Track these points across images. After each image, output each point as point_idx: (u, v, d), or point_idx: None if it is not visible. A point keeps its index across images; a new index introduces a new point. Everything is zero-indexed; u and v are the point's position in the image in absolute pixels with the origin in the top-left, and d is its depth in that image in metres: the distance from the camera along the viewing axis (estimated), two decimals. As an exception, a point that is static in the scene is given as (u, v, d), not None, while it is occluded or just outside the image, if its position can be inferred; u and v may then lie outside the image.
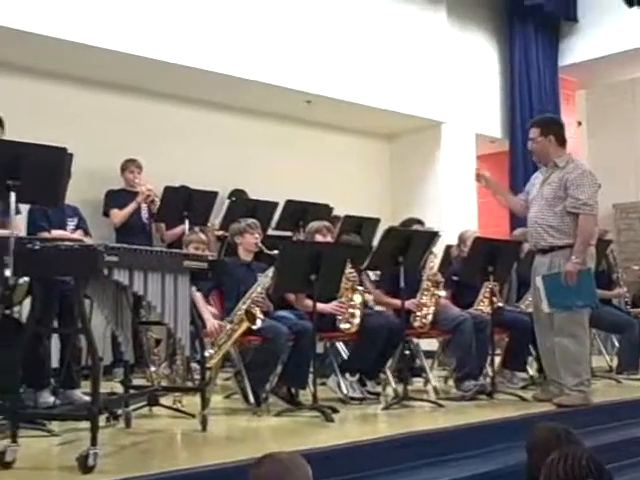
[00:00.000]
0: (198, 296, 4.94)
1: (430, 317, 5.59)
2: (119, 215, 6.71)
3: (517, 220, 7.63)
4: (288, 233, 7.02)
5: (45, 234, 4.77)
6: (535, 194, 5.15)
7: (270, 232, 6.75)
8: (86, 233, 5.07)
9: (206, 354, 4.58)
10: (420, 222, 6.18)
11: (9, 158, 3.88)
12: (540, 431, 2.84)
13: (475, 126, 9.53)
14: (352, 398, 5.18)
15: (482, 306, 5.92)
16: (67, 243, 3.59)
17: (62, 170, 4.21)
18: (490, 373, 5.59)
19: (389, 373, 5.51)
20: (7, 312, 4.15)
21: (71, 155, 4.24)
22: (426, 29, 9.01)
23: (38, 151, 4.01)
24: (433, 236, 5.55)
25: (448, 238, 6.93)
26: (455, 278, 6.06)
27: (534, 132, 5.15)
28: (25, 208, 4.78)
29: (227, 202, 7.08)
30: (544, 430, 2.85)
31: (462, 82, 9.37)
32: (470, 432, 4.32)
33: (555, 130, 5.15)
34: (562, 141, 5.15)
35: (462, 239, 6.37)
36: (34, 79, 6.72)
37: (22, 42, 6.20)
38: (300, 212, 6.97)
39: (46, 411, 4.28)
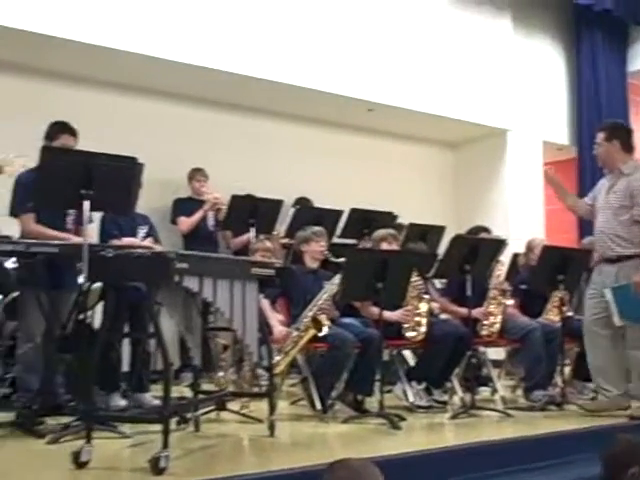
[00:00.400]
0: (265, 303, 4.99)
1: (497, 326, 5.53)
2: (186, 223, 6.82)
3: (586, 228, 7.49)
4: (353, 241, 7.03)
5: (116, 242, 4.88)
6: (601, 202, 5.04)
7: (335, 240, 6.77)
8: (156, 241, 5.16)
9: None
10: (487, 230, 6.13)
11: (83, 168, 4.00)
12: (619, 443, 2.76)
13: (542, 133, 9.40)
14: (418, 406, 5.15)
15: (551, 315, 5.83)
16: (140, 250, 3.67)
17: (133, 179, 4.32)
18: (560, 383, 5.50)
19: (456, 382, 5.47)
20: (80, 317, 4.26)
21: (142, 165, 4.33)
22: (491, 36, 8.94)
23: (110, 161, 4.12)
24: (500, 244, 5.50)
25: (514, 246, 6.85)
26: (523, 287, 5.98)
27: (599, 136, 5.06)
28: (97, 216, 4.90)
29: (292, 210, 7.12)
30: (623, 442, 2.76)
31: (528, 89, 9.25)
32: (539, 443, 4.25)
33: (621, 135, 5.03)
34: (628, 147, 5.02)
35: (530, 247, 6.29)
36: (106, 91, 6.90)
37: (93, 55, 6.38)
38: (365, 220, 6.96)
39: (119, 413, 4.38)
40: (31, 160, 3.67)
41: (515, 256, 6.98)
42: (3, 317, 5.19)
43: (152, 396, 4.83)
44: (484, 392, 6.00)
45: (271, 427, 4.10)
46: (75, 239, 4.33)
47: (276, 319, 5.07)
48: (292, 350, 4.88)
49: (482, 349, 5.74)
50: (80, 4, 6.15)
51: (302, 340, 4.85)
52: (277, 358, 4.81)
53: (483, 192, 9.19)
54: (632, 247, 4.82)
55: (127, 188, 4.28)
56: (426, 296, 5.34)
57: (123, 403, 4.73)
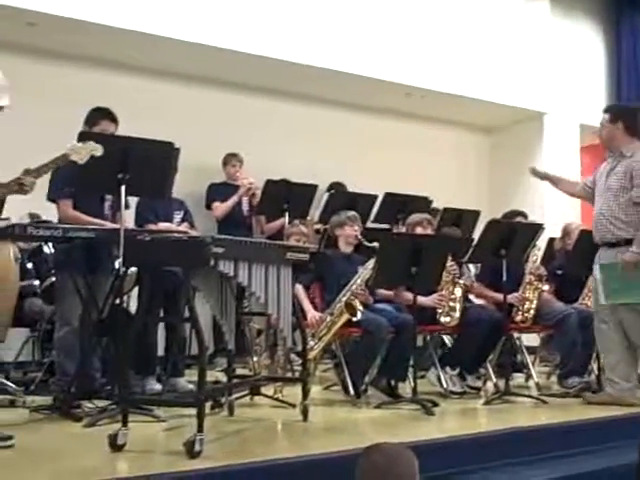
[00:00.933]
0: (299, 288, 5.00)
1: (532, 311, 5.49)
2: (221, 208, 6.85)
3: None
4: (387, 226, 7.01)
5: (152, 226, 4.92)
6: (601, 186, 4.90)
7: (369, 225, 6.76)
8: (192, 226, 5.19)
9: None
10: (523, 214, 6.08)
11: (119, 153, 4.03)
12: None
13: (579, 116, 9.25)
14: (452, 392, 5.14)
15: (588, 301, 5.76)
16: (176, 235, 3.69)
17: (169, 164, 4.35)
18: (596, 370, 5.44)
19: (490, 367, 5.45)
20: (117, 301, 4.30)
21: (178, 150, 4.35)
22: (527, 17, 8.82)
23: (146, 146, 4.15)
24: (537, 229, 5.44)
25: (550, 231, 6.78)
26: (559, 272, 5.92)
27: (603, 117, 4.92)
28: (134, 202, 4.94)
29: (326, 195, 7.12)
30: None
31: (566, 71, 9.12)
32: (574, 430, 4.22)
33: (626, 118, 4.85)
34: (633, 130, 4.83)
35: (567, 232, 6.23)
36: (142, 77, 6.96)
37: (130, 42, 6.43)
38: (399, 205, 6.93)
39: (155, 397, 4.43)
40: (99, 149, 3.75)
41: (551, 241, 6.92)
42: (41, 302, 5.28)
43: (186, 381, 4.88)
44: (518, 378, 5.97)
45: (304, 412, 4.12)
46: (110, 226, 4.36)
47: (309, 304, 5.08)
48: (326, 335, 4.89)
49: (517, 335, 5.72)
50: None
51: (336, 325, 4.86)
52: (311, 343, 4.82)
53: (519, 176, 9.06)
54: (631, 229, 4.66)
55: (163, 172, 4.31)
56: (461, 281, 5.32)
57: (158, 387, 4.79)
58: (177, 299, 4.76)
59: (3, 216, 3.65)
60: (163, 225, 4.92)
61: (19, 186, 3.47)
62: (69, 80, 6.51)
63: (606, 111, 4.98)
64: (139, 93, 6.77)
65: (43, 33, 6.19)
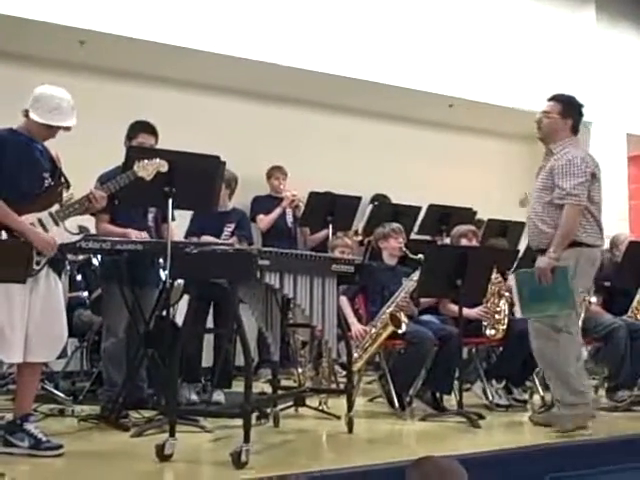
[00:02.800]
0: (343, 300, 5.00)
1: (580, 323, 5.41)
2: (265, 220, 6.89)
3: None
4: (430, 237, 6.99)
5: (195, 240, 4.97)
6: (534, 186, 4.60)
7: (412, 236, 6.74)
8: (240, 239, 5.21)
9: (352, 356, 4.63)
10: (569, 226, 6.00)
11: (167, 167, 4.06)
12: None
13: (626, 125, 9.13)
14: (498, 405, 5.09)
15: (638, 314, 5.67)
16: (222, 247, 3.72)
17: (215, 178, 4.38)
18: (645, 383, 5.35)
19: (536, 380, 5.38)
20: (164, 313, 4.34)
21: (224, 163, 4.38)
22: (572, 26, 8.73)
23: (193, 160, 4.19)
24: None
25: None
26: (607, 284, 5.83)
27: (553, 106, 4.52)
28: (177, 214, 4.98)
29: (370, 207, 7.12)
30: None
31: (612, 80, 9.01)
32: (623, 445, 4.15)
33: (575, 114, 4.54)
34: (576, 130, 4.56)
35: (615, 243, 6.13)
36: (187, 91, 7.02)
37: (174, 56, 6.50)
38: (443, 216, 6.92)
39: (202, 408, 4.47)
40: (165, 165, 3.87)
41: (599, 252, 6.82)
42: (89, 312, 5.36)
43: (234, 392, 4.90)
44: (565, 391, 5.88)
45: (349, 424, 4.13)
46: (135, 235, 4.37)
47: (354, 316, 5.08)
48: (370, 347, 4.88)
49: (563, 347, 5.63)
50: (162, 6, 6.31)
51: (380, 337, 4.85)
52: (355, 355, 4.82)
53: (565, 187, 8.99)
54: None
55: (209, 186, 4.35)
56: (507, 293, 5.27)
57: (194, 398, 4.82)
58: (222, 310, 4.80)
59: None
60: (205, 239, 4.95)
61: (89, 201, 3.60)
62: (115, 95, 6.60)
63: (556, 100, 4.57)
64: (183, 107, 6.83)
65: (92, 50, 6.31)
